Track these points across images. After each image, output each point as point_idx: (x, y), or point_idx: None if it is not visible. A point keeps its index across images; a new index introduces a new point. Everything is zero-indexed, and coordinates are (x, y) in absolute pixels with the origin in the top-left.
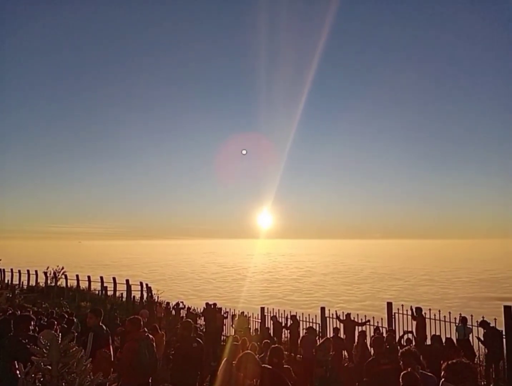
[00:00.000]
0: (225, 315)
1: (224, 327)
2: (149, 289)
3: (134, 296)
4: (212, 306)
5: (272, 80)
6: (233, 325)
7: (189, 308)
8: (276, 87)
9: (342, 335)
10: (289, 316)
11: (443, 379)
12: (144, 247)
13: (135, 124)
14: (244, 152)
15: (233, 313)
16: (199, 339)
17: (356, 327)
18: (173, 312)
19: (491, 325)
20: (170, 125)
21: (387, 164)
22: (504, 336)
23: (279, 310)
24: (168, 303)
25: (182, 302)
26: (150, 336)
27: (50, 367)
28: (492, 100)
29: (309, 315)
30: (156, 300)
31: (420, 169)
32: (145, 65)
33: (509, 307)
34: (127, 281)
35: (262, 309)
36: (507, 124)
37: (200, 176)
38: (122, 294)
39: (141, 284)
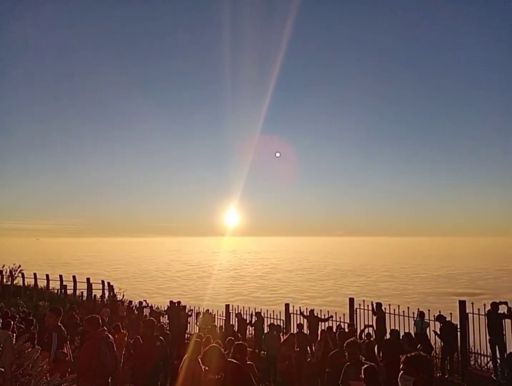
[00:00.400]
0: (189, 313)
1: (188, 325)
2: (111, 288)
3: (95, 295)
4: (176, 304)
5: (235, 80)
6: (198, 323)
7: (152, 307)
8: (239, 85)
9: (306, 330)
10: (253, 313)
11: (402, 372)
12: (106, 245)
13: (95, 120)
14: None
15: (198, 311)
16: (162, 338)
17: (319, 322)
18: (136, 311)
19: (447, 319)
20: (127, 122)
21: (350, 162)
22: (458, 330)
23: (243, 307)
24: (130, 302)
25: (145, 301)
26: (110, 335)
27: (3, 369)
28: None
29: (273, 311)
30: (118, 299)
31: (382, 167)
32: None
33: (463, 301)
34: (88, 279)
35: (227, 306)
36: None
37: (165, 174)
38: (82, 293)
39: (103, 282)
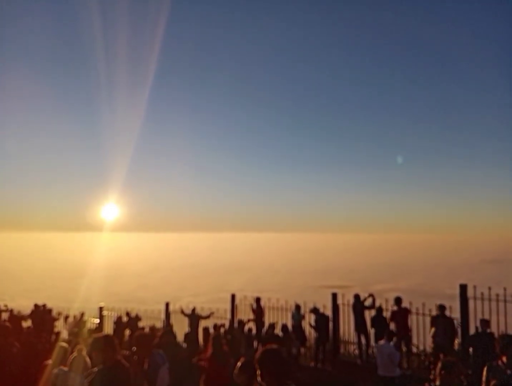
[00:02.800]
0: (56, 317)
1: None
2: None
3: None
4: (42, 307)
5: (113, 70)
6: (66, 328)
7: (12, 311)
8: (118, 75)
9: (187, 329)
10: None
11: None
12: None
13: None
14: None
15: (67, 314)
16: (17, 344)
17: (200, 320)
18: None
19: (320, 311)
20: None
21: (235, 156)
22: (331, 321)
23: (120, 308)
24: None
25: (5, 305)
26: None
27: None
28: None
29: (152, 311)
30: None
31: (265, 166)
32: None
33: (335, 294)
34: None
35: (101, 308)
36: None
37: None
38: None
39: None
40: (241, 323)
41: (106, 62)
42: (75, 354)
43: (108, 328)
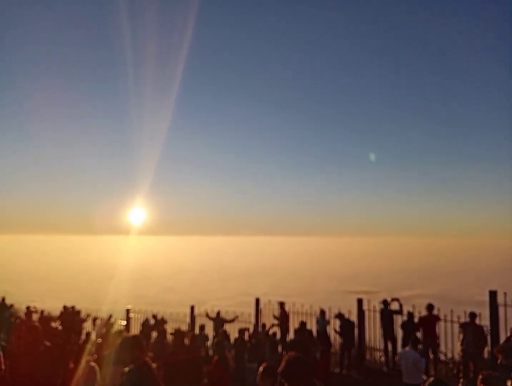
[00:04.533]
0: (85, 318)
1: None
2: None
3: None
4: (71, 309)
5: (141, 75)
6: (94, 330)
7: (42, 312)
8: (145, 80)
9: (212, 332)
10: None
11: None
12: None
13: None
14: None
15: (95, 316)
16: (47, 342)
17: (224, 324)
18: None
19: (345, 316)
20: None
21: (263, 161)
22: (356, 326)
23: (146, 310)
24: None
25: (35, 307)
26: None
27: None
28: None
29: (178, 314)
30: None
31: (290, 170)
32: None
33: (361, 299)
34: None
35: (128, 310)
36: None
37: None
38: None
39: None
40: (265, 327)
41: (134, 65)
42: (83, 364)
43: (135, 330)
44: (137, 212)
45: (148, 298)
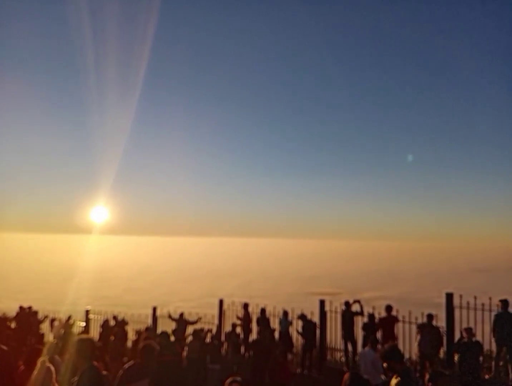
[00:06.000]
0: (42, 320)
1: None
2: None
3: None
4: (27, 310)
5: (103, 71)
6: (52, 331)
7: None
8: (108, 76)
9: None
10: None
11: None
12: None
13: None
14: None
15: (53, 317)
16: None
17: (187, 325)
18: None
19: (307, 318)
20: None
21: (227, 160)
22: (318, 327)
23: (107, 311)
24: None
25: None
26: None
27: None
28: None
29: (139, 315)
30: None
31: (256, 170)
32: None
33: (323, 301)
34: None
35: (87, 311)
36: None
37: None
38: None
39: None
40: (234, 327)
41: (95, 62)
42: (38, 366)
43: (95, 332)
44: (100, 211)
45: (109, 299)
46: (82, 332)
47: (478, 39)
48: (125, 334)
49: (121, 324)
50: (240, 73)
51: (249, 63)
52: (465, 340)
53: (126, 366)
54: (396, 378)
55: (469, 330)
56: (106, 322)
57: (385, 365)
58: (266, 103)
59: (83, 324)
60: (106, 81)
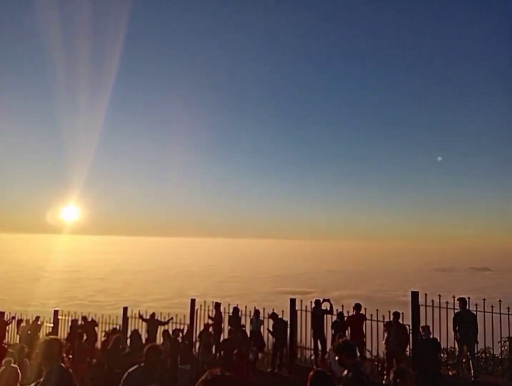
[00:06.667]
0: (8, 321)
1: (7, 334)
2: None
3: None
4: None
5: (74, 71)
6: (19, 332)
7: None
8: (79, 76)
9: (144, 334)
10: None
11: None
12: None
13: None
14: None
15: (20, 318)
16: None
17: (159, 326)
18: None
19: (279, 316)
20: None
21: (198, 160)
22: (289, 326)
23: (75, 312)
24: None
25: None
26: None
27: None
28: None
29: (109, 316)
30: None
31: (227, 169)
32: None
33: (294, 299)
34: None
35: (56, 312)
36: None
37: None
38: None
39: None
40: (206, 327)
41: (66, 62)
42: (3, 366)
43: (63, 333)
44: (70, 211)
45: (79, 299)
46: (51, 333)
47: None
48: (94, 335)
49: (90, 324)
50: (211, 68)
51: (229, 53)
52: (423, 337)
53: (130, 369)
54: (347, 372)
55: (426, 328)
56: (74, 322)
57: (336, 358)
58: (237, 96)
59: (51, 325)
60: (78, 80)
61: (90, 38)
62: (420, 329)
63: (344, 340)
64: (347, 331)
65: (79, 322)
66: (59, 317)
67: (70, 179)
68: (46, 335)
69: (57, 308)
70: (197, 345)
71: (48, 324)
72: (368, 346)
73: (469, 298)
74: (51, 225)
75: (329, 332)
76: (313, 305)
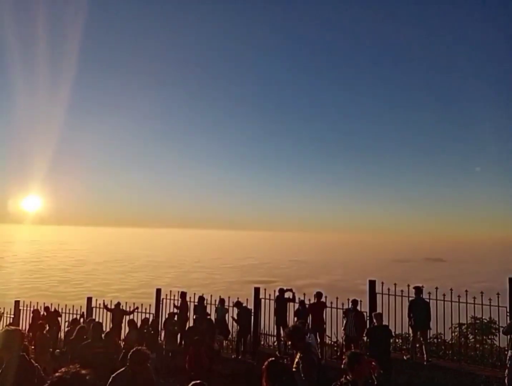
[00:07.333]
0: None
1: None
2: None
3: None
4: None
5: (36, 56)
6: None
7: None
8: (40, 61)
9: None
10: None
11: None
12: None
13: None
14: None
15: None
16: None
17: (124, 315)
18: None
19: (243, 305)
20: None
21: (168, 150)
22: (252, 314)
23: (37, 303)
24: None
25: None
26: None
27: None
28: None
29: (73, 306)
30: None
31: (196, 161)
32: None
33: (258, 288)
34: None
35: (17, 302)
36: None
37: None
38: None
39: None
40: (171, 315)
41: (28, 50)
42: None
43: (25, 324)
44: (32, 200)
45: (41, 290)
46: (11, 324)
47: None
48: (57, 325)
49: (53, 315)
50: (174, 60)
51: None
52: (375, 324)
53: (115, 374)
54: (299, 354)
55: (378, 315)
56: (36, 313)
57: (289, 343)
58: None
59: (12, 316)
60: (38, 69)
61: (51, 28)
62: (373, 316)
63: (294, 326)
64: (308, 318)
65: (41, 312)
66: (20, 307)
67: (31, 169)
68: (6, 325)
69: (18, 299)
70: (163, 334)
71: (8, 315)
72: (328, 332)
73: (423, 286)
74: (12, 215)
75: (291, 320)
76: (277, 293)
